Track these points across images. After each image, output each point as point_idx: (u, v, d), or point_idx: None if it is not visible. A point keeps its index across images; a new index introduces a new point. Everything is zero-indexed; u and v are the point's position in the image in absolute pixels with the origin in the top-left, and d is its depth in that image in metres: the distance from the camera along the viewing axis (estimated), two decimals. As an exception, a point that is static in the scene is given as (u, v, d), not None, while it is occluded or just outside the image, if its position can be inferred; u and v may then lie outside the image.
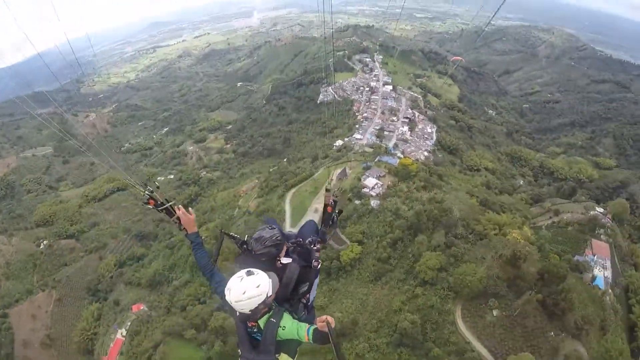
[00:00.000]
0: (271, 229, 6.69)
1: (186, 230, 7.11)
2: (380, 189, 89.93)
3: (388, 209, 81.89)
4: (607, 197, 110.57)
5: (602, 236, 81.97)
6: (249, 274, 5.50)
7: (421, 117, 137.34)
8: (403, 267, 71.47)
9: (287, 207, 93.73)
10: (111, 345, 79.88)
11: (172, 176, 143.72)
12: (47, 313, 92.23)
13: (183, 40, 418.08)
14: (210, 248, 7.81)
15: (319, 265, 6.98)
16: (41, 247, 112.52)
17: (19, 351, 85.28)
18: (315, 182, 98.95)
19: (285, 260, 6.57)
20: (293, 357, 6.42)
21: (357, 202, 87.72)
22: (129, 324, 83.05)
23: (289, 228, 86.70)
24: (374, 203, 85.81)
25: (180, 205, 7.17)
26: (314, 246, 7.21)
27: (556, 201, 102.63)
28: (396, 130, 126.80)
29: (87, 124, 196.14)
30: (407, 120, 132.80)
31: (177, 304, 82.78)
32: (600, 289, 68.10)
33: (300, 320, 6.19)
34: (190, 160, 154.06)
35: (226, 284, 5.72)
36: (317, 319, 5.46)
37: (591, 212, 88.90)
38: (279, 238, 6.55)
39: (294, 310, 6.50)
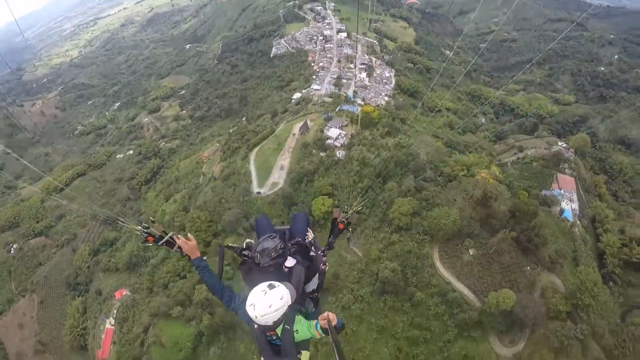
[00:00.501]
0: (272, 238, 6.66)
1: (189, 256, 6.99)
2: (344, 139, 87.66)
3: (354, 158, 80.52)
4: (568, 131, 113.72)
5: (566, 170, 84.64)
6: (271, 287, 5.47)
7: (378, 62, 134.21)
8: (376, 215, 70.94)
9: (252, 168, 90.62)
10: (102, 336, 78.81)
11: (131, 152, 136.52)
12: (33, 318, 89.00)
13: (124, 8, 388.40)
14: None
15: (326, 268, 7.15)
16: (12, 252, 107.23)
17: None
18: (277, 138, 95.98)
19: (289, 264, 6.62)
20: (308, 349, 6.30)
21: (322, 154, 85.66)
22: (115, 311, 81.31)
23: (256, 189, 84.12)
24: (339, 154, 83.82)
25: (179, 235, 7.05)
26: (322, 253, 7.31)
27: (519, 137, 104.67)
28: (354, 78, 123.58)
29: (35, 112, 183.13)
30: (364, 66, 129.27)
31: (159, 282, 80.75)
32: (569, 221, 71.00)
33: (310, 314, 6.53)
34: (147, 133, 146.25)
35: (239, 299, 6.29)
36: (319, 316, 5.43)
37: (554, 147, 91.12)
38: (282, 247, 6.52)
39: (302, 306, 6.66)
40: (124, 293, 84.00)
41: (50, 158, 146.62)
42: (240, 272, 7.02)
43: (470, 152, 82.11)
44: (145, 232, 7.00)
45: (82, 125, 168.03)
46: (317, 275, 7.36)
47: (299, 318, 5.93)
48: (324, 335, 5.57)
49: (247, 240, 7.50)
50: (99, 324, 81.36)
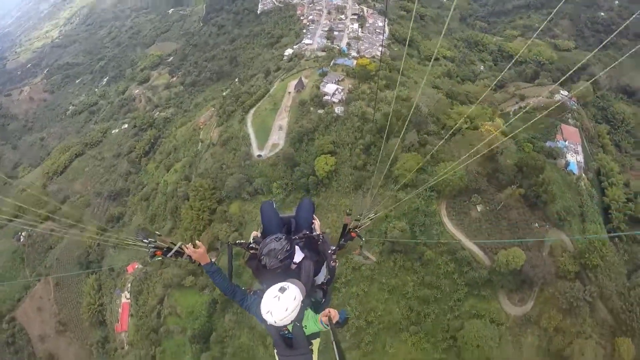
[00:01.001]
0: (278, 239, 6.26)
1: (200, 262, 6.79)
2: (342, 94, 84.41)
3: (354, 113, 77.54)
4: (570, 79, 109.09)
5: (569, 120, 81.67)
6: (282, 290, 5.36)
7: (370, 11, 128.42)
8: (381, 171, 68.68)
9: (250, 130, 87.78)
10: (119, 311, 79.82)
11: (125, 125, 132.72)
12: (51, 300, 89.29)
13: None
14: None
15: (337, 265, 6.93)
16: (21, 239, 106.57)
17: (38, 347, 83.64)
18: (272, 98, 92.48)
19: (297, 259, 6.52)
20: (319, 336, 6.14)
21: (320, 111, 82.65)
22: (129, 285, 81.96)
23: (256, 151, 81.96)
24: (338, 110, 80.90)
25: (187, 245, 6.83)
26: (332, 252, 6.99)
27: (519, 85, 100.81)
28: (346, 29, 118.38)
29: (24, 99, 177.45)
30: (356, 16, 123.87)
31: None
32: (574, 174, 69.50)
33: (320, 305, 6.53)
34: (139, 104, 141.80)
35: (250, 298, 6.45)
36: (321, 313, 5.39)
37: (556, 96, 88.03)
38: (288, 249, 6.19)
39: (312, 297, 6.51)
40: (136, 267, 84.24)
41: (46, 142, 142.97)
42: (248, 266, 6.85)
43: (472, 103, 79.05)
44: (153, 247, 6.89)
45: (73, 105, 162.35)
46: (324, 266, 7.13)
47: (307, 313, 5.80)
48: (327, 329, 5.44)
49: (254, 233, 7.51)
50: (114, 298, 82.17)
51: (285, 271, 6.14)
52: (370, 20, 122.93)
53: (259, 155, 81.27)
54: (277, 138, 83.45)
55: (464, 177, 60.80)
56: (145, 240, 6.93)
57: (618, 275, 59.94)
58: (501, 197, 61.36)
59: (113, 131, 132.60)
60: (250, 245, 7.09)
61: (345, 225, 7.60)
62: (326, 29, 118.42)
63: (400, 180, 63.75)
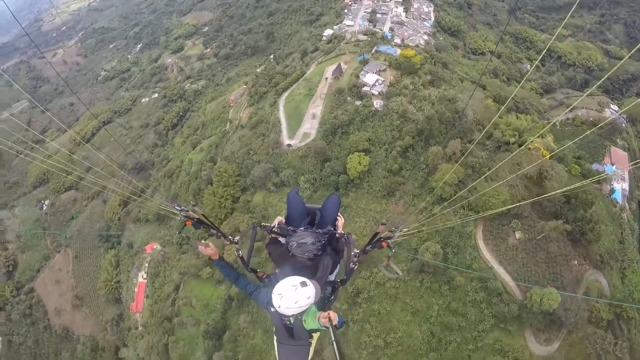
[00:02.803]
0: (312, 234, 6.30)
1: (212, 258, 6.71)
2: (382, 86, 75.87)
3: (394, 110, 69.38)
4: (617, 89, 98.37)
5: (618, 141, 72.95)
6: (303, 285, 5.22)
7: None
8: (417, 179, 61.81)
9: (282, 116, 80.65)
10: (135, 290, 77.60)
11: (156, 95, 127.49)
12: (69, 273, 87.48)
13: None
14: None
15: (355, 267, 6.52)
16: (44, 208, 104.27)
17: (54, 320, 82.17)
18: (308, 82, 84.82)
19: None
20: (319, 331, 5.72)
21: (357, 103, 74.76)
22: (146, 265, 79.14)
23: (286, 140, 75.14)
24: (377, 104, 72.72)
25: (200, 242, 6.49)
26: (355, 256, 6.55)
27: (568, 93, 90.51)
28: (390, 12, 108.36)
29: (57, 62, 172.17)
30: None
31: (187, 236, 75.14)
32: (618, 203, 62.25)
33: (327, 301, 6.31)
34: (171, 74, 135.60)
35: (255, 286, 6.40)
36: (320, 314, 4.98)
37: (606, 111, 79.36)
38: (320, 248, 6.19)
39: (322, 291, 6.03)
40: (154, 247, 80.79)
41: (76, 108, 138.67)
42: (268, 249, 6.87)
43: (521, 113, 69.46)
44: (184, 216, 6.80)
45: (105, 71, 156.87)
46: (339, 264, 6.92)
47: (310, 308, 5.34)
48: (325, 329, 5.01)
49: (279, 218, 7.26)
50: (131, 277, 79.71)
51: (305, 263, 6.06)
52: (416, 5, 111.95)
53: (289, 145, 74.38)
54: (310, 127, 76.17)
55: (508, 202, 52.74)
56: (178, 208, 6.84)
57: None
58: (543, 226, 53.76)
59: (143, 100, 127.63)
60: (274, 230, 6.94)
61: (376, 233, 6.86)
62: (369, 10, 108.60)
63: (435, 191, 56.44)
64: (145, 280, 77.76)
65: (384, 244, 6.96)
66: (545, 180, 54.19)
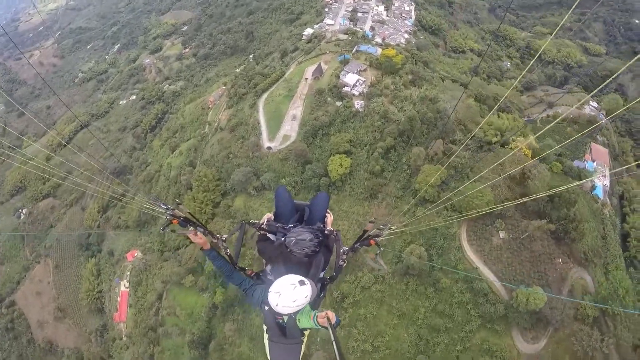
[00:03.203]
0: (309, 231, 6.14)
1: (202, 247, 6.59)
2: (363, 86, 74.33)
3: (375, 110, 67.94)
4: (596, 85, 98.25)
5: (598, 137, 72.88)
6: (302, 284, 5.14)
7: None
8: (399, 180, 60.62)
9: (262, 118, 78.55)
10: (118, 299, 75.35)
11: (134, 97, 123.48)
12: (50, 284, 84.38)
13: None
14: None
15: (344, 265, 6.55)
16: (22, 217, 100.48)
17: (37, 334, 79.35)
18: (287, 83, 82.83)
19: None
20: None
21: (338, 103, 73.13)
22: (128, 274, 76.77)
23: (266, 142, 73.03)
24: (357, 104, 71.15)
25: (191, 230, 6.40)
26: (344, 253, 6.53)
27: (548, 90, 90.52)
28: (371, 11, 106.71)
29: (33, 63, 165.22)
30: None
31: (168, 244, 74.60)
32: (599, 198, 62.30)
33: (318, 297, 6.22)
34: (149, 75, 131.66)
35: (249, 282, 6.32)
36: (318, 314, 4.95)
37: (586, 107, 79.25)
38: (316, 245, 6.05)
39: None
40: (136, 255, 78.48)
41: (53, 111, 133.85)
42: (257, 247, 6.85)
43: (502, 112, 68.61)
44: (170, 215, 6.46)
45: (82, 72, 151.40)
46: (328, 264, 6.71)
47: (304, 308, 5.27)
48: (320, 328, 5.01)
49: (267, 215, 7.25)
50: (113, 286, 77.46)
51: (301, 260, 5.94)
52: (397, 4, 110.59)
53: (269, 148, 72.36)
54: (290, 129, 74.20)
55: (492, 203, 51.76)
56: (163, 206, 6.58)
57: (637, 327, 52.45)
58: (527, 226, 53.19)
59: (121, 102, 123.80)
60: (262, 227, 6.90)
61: (365, 231, 6.79)
62: (350, 9, 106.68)
63: (420, 194, 55.11)
64: (128, 289, 75.34)
65: (372, 241, 6.87)
66: (528, 180, 53.36)
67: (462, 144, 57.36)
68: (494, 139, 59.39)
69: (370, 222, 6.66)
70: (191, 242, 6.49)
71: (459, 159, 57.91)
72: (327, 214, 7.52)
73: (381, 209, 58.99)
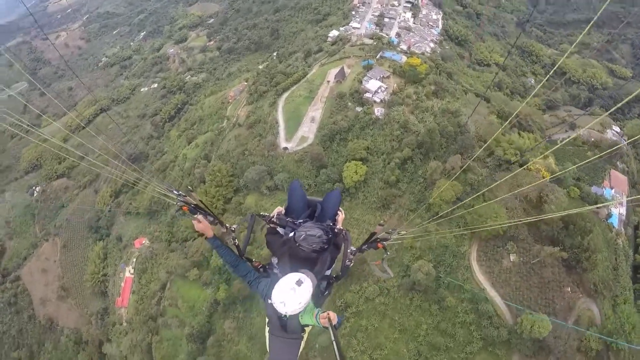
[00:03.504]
0: (319, 227, 6.00)
1: (205, 235, 6.40)
2: (385, 93, 73.20)
3: (395, 119, 66.74)
4: (619, 109, 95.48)
5: (618, 163, 70.93)
6: (299, 283, 5.05)
7: (425, 0, 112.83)
8: (413, 193, 59.41)
9: (280, 117, 78.02)
10: (122, 284, 74.92)
11: (155, 85, 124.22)
12: (56, 263, 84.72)
13: None
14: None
15: (351, 265, 6.40)
16: (35, 195, 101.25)
17: (38, 310, 79.74)
18: (309, 84, 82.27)
19: None
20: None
21: (358, 109, 72.15)
22: (134, 260, 76.66)
23: (283, 142, 72.51)
24: (378, 111, 70.15)
25: (195, 216, 6.28)
26: (352, 253, 6.37)
27: (571, 111, 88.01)
28: (398, 17, 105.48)
29: (59, 45, 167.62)
30: (409, 4, 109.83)
31: (177, 234, 74.17)
32: (614, 227, 59.82)
33: (321, 296, 6.15)
34: (172, 65, 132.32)
35: (255, 274, 6.13)
36: (321, 315, 4.87)
37: (607, 131, 77.08)
38: (325, 242, 5.86)
39: (317, 286, 5.93)
40: (143, 242, 78.31)
41: (74, 93, 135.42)
42: (266, 239, 6.61)
43: (524, 131, 66.93)
44: (182, 201, 6.40)
45: (106, 57, 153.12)
46: (336, 260, 6.53)
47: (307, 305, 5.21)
48: (322, 327, 4.92)
49: (278, 209, 7.08)
50: (118, 271, 77.25)
51: (309, 255, 5.80)
52: (424, 11, 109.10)
53: (285, 148, 71.79)
54: (308, 131, 73.55)
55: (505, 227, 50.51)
56: (175, 192, 6.52)
57: None
58: (539, 251, 51.52)
59: (142, 89, 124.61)
60: (273, 220, 6.69)
61: (373, 233, 6.61)
62: (377, 14, 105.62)
63: (434, 209, 53.94)
64: (132, 276, 75.18)
65: (380, 245, 6.73)
66: (544, 204, 51.79)
67: (471, 159, 55.86)
68: (513, 159, 57.85)
69: (379, 224, 6.55)
70: (199, 235, 6.35)
71: (476, 176, 56.55)
72: (338, 212, 7.33)
73: (393, 220, 57.85)
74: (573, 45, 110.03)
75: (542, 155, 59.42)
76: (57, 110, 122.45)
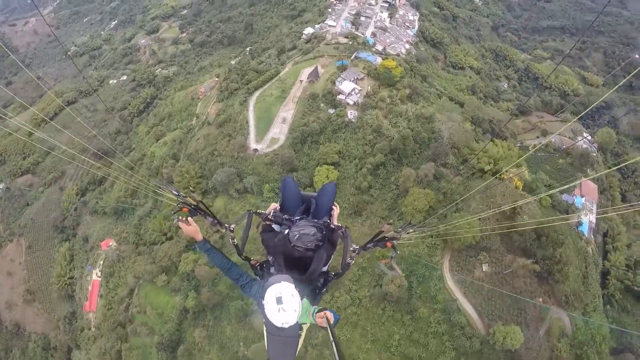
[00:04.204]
0: (314, 225, 5.66)
1: (194, 239, 6.21)
2: (358, 96, 70.39)
3: (368, 123, 64.06)
4: (590, 116, 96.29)
5: (589, 171, 71.06)
6: (280, 302, 4.55)
7: (402, 1, 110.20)
8: (385, 200, 57.36)
9: (251, 117, 74.26)
10: (89, 288, 71.37)
11: (124, 77, 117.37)
12: (21, 265, 80.00)
13: None
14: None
15: (352, 262, 6.05)
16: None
17: (4, 315, 75.36)
18: (282, 83, 78.52)
19: None
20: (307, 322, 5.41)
21: (330, 111, 69.15)
22: (101, 263, 72.80)
23: (253, 143, 68.84)
24: (351, 114, 67.36)
25: (182, 218, 5.89)
26: (355, 251, 6.15)
27: (543, 117, 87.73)
28: (374, 17, 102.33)
29: (28, 31, 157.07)
30: (387, 4, 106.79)
31: (144, 237, 70.04)
32: (584, 235, 59.57)
33: (320, 291, 6.04)
34: (143, 57, 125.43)
35: (248, 277, 5.75)
36: (317, 314, 4.80)
37: (579, 139, 76.93)
38: (320, 240, 5.54)
39: (313, 282, 5.87)
40: (110, 244, 74.08)
41: (43, 82, 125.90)
42: (262, 237, 6.25)
43: (497, 138, 65.55)
44: (182, 202, 6.15)
45: (75, 46, 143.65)
46: (331, 259, 6.22)
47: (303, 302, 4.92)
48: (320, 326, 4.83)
49: (273, 205, 6.79)
50: (85, 274, 73.35)
51: (304, 254, 5.49)
52: (401, 12, 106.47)
53: (255, 150, 68.26)
54: (279, 132, 70.17)
55: (477, 236, 49.34)
56: (175, 192, 6.41)
57: None
58: (511, 260, 50.62)
59: (111, 81, 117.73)
60: (269, 217, 6.38)
61: (380, 232, 6.27)
62: (353, 12, 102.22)
63: (406, 217, 51.82)
64: (100, 279, 71.35)
65: (388, 244, 6.26)
66: (517, 216, 50.45)
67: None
68: (487, 167, 56.27)
69: (388, 223, 6.18)
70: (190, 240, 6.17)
71: (449, 184, 54.73)
72: (333, 207, 7.08)
73: (364, 227, 55.50)
74: (566, 54, 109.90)
75: (515, 163, 58.08)
76: (24, 99, 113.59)
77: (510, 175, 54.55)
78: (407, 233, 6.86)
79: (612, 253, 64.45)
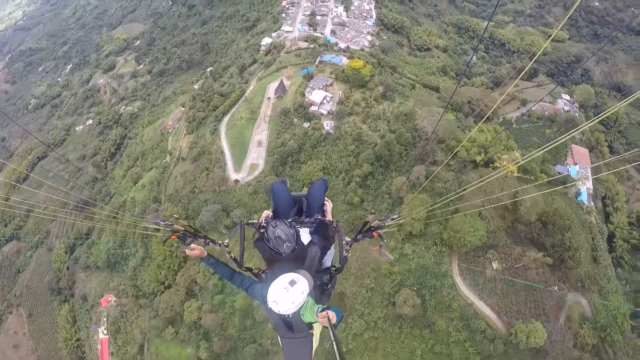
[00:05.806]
0: (285, 223, 5.25)
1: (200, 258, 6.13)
2: (331, 103, 65.32)
3: (347, 132, 58.83)
4: (562, 72, 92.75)
5: (576, 134, 66.86)
6: (292, 284, 4.71)
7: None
8: (381, 211, 52.05)
9: (225, 145, 69.06)
10: (98, 347, 67.08)
11: (90, 121, 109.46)
12: (26, 335, 74.53)
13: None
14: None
15: (349, 255, 5.79)
16: None
17: None
18: (249, 103, 73.05)
19: (304, 240, 5.64)
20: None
21: (305, 125, 63.96)
22: (105, 320, 68.23)
23: (232, 174, 63.59)
24: (327, 125, 62.25)
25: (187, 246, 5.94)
26: (347, 244, 5.88)
27: (518, 85, 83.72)
28: (330, 13, 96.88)
29: None
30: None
31: (142, 288, 65.22)
32: (584, 204, 56.26)
33: (327, 287, 5.82)
34: (104, 96, 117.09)
35: (249, 281, 5.70)
36: (319, 314, 4.48)
37: (559, 101, 73.98)
38: (293, 233, 5.21)
39: (318, 279, 5.55)
40: (110, 300, 69.05)
41: (8, 143, 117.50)
42: (256, 247, 5.65)
43: (480, 120, 61.12)
44: (169, 231, 6.20)
45: (35, 98, 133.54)
46: (331, 250, 6.13)
47: (306, 302, 4.81)
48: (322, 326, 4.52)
49: (266, 212, 6.64)
50: (91, 334, 68.80)
51: (290, 257, 5.28)
52: (356, 3, 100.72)
53: (237, 181, 62.79)
54: (256, 156, 64.91)
55: (484, 237, 44.79)
56: (162, 223, 6.36)
57: (635, 352, 47.55)
58: (520, 253, 46.73)
59: (77, 128, 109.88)
60: (262, 226, 6.02)
61: (366, 222, 6.14)
62: (308, 13, 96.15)
63: (406, 229, 47.41)
64: (107, 337, 66.61)
65: (374, 233, 6.23)
66: (520, 207, 46.30)
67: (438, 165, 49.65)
68: (478, 158, 51.78)
69: (371, 213, 5.96)
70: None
71: (442, 183, 50.27)
72: (325, 202, 6.77)
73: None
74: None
75: (503, 145, 53.92)
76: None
77: (503, 162, 50.30)
78: (392, 220, 6.48)
79: (614, 214, 62.19)
